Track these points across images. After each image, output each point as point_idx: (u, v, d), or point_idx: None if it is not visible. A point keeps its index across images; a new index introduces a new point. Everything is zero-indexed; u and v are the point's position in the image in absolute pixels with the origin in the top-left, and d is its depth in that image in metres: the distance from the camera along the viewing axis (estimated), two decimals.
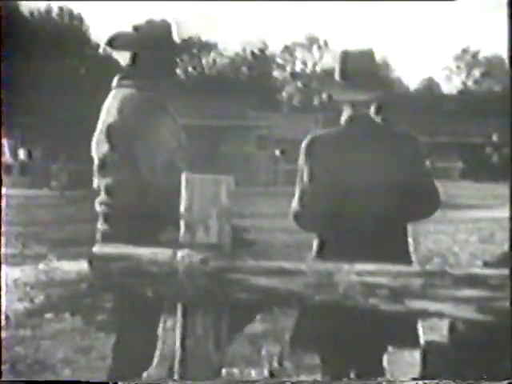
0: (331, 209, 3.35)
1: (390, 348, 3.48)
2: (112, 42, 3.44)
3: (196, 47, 43.81)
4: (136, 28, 3.45)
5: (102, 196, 3.34)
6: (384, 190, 3.35)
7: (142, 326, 3.24)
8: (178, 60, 3.63)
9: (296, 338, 3.54)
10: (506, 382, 3.00)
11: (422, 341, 3.46)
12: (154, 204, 3.21)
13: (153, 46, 3.41)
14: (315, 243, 3.49)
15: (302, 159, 3.44)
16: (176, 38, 3.48)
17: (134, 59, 3.42)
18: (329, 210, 3.36)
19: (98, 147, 3.35)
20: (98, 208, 3.36)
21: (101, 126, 3.39)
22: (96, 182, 3.38)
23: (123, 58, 3.45)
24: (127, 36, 3.45)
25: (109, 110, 3.35)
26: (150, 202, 3.22)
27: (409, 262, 3.42)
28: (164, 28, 3.47)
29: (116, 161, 3.29)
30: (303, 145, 3.45)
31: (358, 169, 3.36)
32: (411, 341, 3.43)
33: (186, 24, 3.60)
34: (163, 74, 3.47)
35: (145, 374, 3.33)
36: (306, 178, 3.42)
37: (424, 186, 3.46)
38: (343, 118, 3.46)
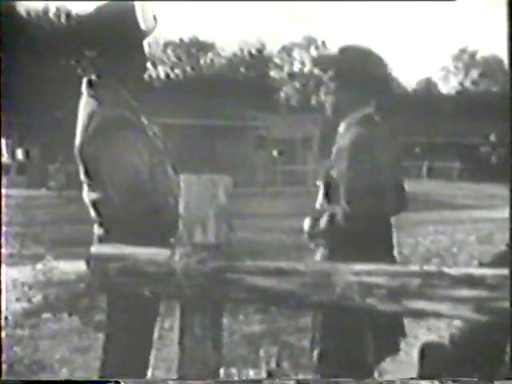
0: (360, 213, 3.33)
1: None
2: (74, 33, 3.36)
3: (194, 47, 43.79)
4: (98, 9, 3.26)
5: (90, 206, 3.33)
6: (384, 189, 3.37)
7: (135, 326, 3.22)
8: (145, 50, 3.37)
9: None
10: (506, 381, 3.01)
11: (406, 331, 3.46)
12: (125, 220, 3.18)
13: (116, 31, 3.24)
14: (323, 249, 3.45)
15: (350, 159, 3.36)
16: (142, 22, 3.27)
17: (98, 50, 3.27)
18: (359, 215, 3.33)
19: (78, 162, 3.31)
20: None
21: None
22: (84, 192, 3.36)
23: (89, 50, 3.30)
24: (87, 22, 3.30)
25: (79, 124, 3.27)
26: (120, 218, 3.19)
27: (393, 261, 3.43)
28: (127, 9, 3.26)
29: (89, 182, 3.25)
30: (351, 144, 3.38)
31: (379, 168, 3.37)
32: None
33: (152, 6, 3.38)
34: (131, 69, 3.31)
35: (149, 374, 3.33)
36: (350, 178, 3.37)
37: (400, 185, 3.53)
38: (357, 119, 3.45)
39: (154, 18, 3.32)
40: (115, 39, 3.25)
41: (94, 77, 3.29)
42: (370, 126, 3.43)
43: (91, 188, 3.25)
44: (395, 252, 3.51)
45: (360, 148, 3.35)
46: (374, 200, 3.31)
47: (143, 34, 3.32)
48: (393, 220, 3.52)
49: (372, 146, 3.38)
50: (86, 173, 3.24)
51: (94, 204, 3.26)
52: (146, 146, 3.25)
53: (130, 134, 3.20)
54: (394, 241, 3.51)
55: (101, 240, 3.24)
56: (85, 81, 3.31)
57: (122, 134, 3.17)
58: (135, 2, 3.28)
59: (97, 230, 3.29)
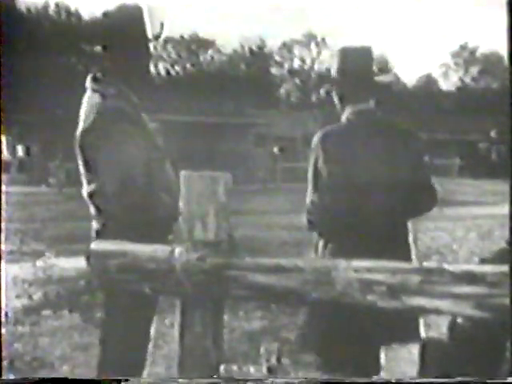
0: (346, 205, 3.33)
1: (388, 345, 3.48)
2: (84, 33, 3.46)
3: (194, 44, 43.75)
4: (105, 14, 3.42)
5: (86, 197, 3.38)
6: (387, 185, 3.37)
7: (132, 323, 3.24)
8: (151, 51, 3.57)
9: (304, 339, 3.50)
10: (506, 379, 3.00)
11: (422, 335, 3.47)
12: (119, 213, 3.23)
13: (123, 34, 3.38)
14: (320, 243, 3.46)
15: (316, 154, 3.40)
16: (148, 26, 3.44)
17: (105, 51, 3.40)
18: (344, 206, 3.34)
19: (77, 154, 3.39)
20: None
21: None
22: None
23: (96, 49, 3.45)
24: (96, 24, 3.44)
25: (81, 117, 3.37)
26: (115, 210, 3.24)
27: (408, 259, 3.44)
28: (135, 14, 3.42)
29: (87, 175, 3.33)
30: (316, 139, 3.42)
31: (366, 164, 3.36)
32: (412, 335, 3.44)
33: (158, 10, 3.56)
34: (135, 69, 3.45)
35: (146, 372, 3.34)
36: (321, 173, 3.38)
37: (423, 183, 3.50)
38: (347, 113, 3.46)
39: (161, 26, 3.45)
40: (122, 41, 3.41)
41: (98, 74, 3.42)
42: (349, 121, 3.44)
43: (88, 180, 3.32)
44: (412, 249, 3.51)
45: (319, 144, 3.37)
46: (344, 193, 3.32)
47: (148, 39, 3.50)
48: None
49: (339, 142, 3.39)
50: (84, 164, 3.33)
51: (91, 197, 3.31)
52: (144, 142, 3.34)
53: (129, 128, 3.30)
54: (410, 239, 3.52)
55: (98, 234, 3.29)
56: (89, 77, 3.42)
57: (122, 126, 3.28)
58: (144, 9, 3.44)
59: (94, 225, 3.32)
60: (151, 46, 3.55)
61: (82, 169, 3.36)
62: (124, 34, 3.39)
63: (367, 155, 3.38)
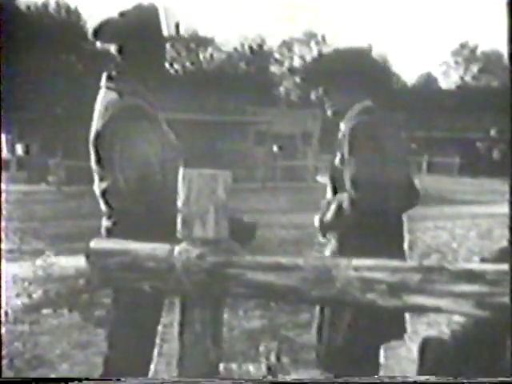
0: (377, 202, 3.30)
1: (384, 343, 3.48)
2: (98, 33, 3.38)
3: (193, 42, 43.73)
4: (122, 14, 3.38)
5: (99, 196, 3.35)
6: (397, 181, 3.38)
7: (138, 322, 3.23)
8: (166, 51, 3.56)
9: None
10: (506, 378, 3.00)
11: (407, 330, 3.48)
12: (133, 211, 3.21)
13: (140, 34, 3.36)
14: (333, 241, 3.44)
15: (349, 145, 3.34)
16: (164, 25, 3.43)
17: (120, 51, 3.36)
18: (374, 204, 3.30)
19: (91, 151, 3.35)
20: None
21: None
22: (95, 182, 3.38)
23: (111, 49, 3.40)
24: (112, 24, 3.38)
25: (96, 115, 3.33)
26: (128, 208, 3.21)
27: (403, 257, 3.44)
28: (152, 13, 3.41)
29: (100, 172, 3.28)
30: (351, 130, 3.36)
31: (388, 159, 3.36)
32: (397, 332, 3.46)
33: (174, 9, 3.55)
34: (151, 68, 3.42)
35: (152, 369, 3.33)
36: (353, 167, 3.33)
37: (410, 179, 3.53)
38: (355, 111, 3.45)
39: (177, 26, 3.44)
40: (138, 41, 3.37)
41: (114, 72, 3.39)
42: (370, 115, 3.43)
43: (101, 178, 3.28)
44: (405, 247, 3.52)
45: (361, 133, 3.34)
46: (379, 188, 3.29)
47: (164, 39, 3.49)
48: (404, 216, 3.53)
49: (373, 132, 3.36)
50: (98, 161, 3.27)
51: (104, 194, 3.28)
52: (159, 140, 3.30)
53: (146, 125, 3.26)
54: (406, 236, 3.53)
55: (109, 232, 3.26)
56: (104, 75, 3.40)
57: (138, 122, 3.24)
58: (159, 10, 3.44)
59: (105, 222, 3.30)
60: (167, 45, 3.55)
61: (94, 165, 3.31)
62: (140, 34, 3.37)
63: (386, 151, 3.38)
